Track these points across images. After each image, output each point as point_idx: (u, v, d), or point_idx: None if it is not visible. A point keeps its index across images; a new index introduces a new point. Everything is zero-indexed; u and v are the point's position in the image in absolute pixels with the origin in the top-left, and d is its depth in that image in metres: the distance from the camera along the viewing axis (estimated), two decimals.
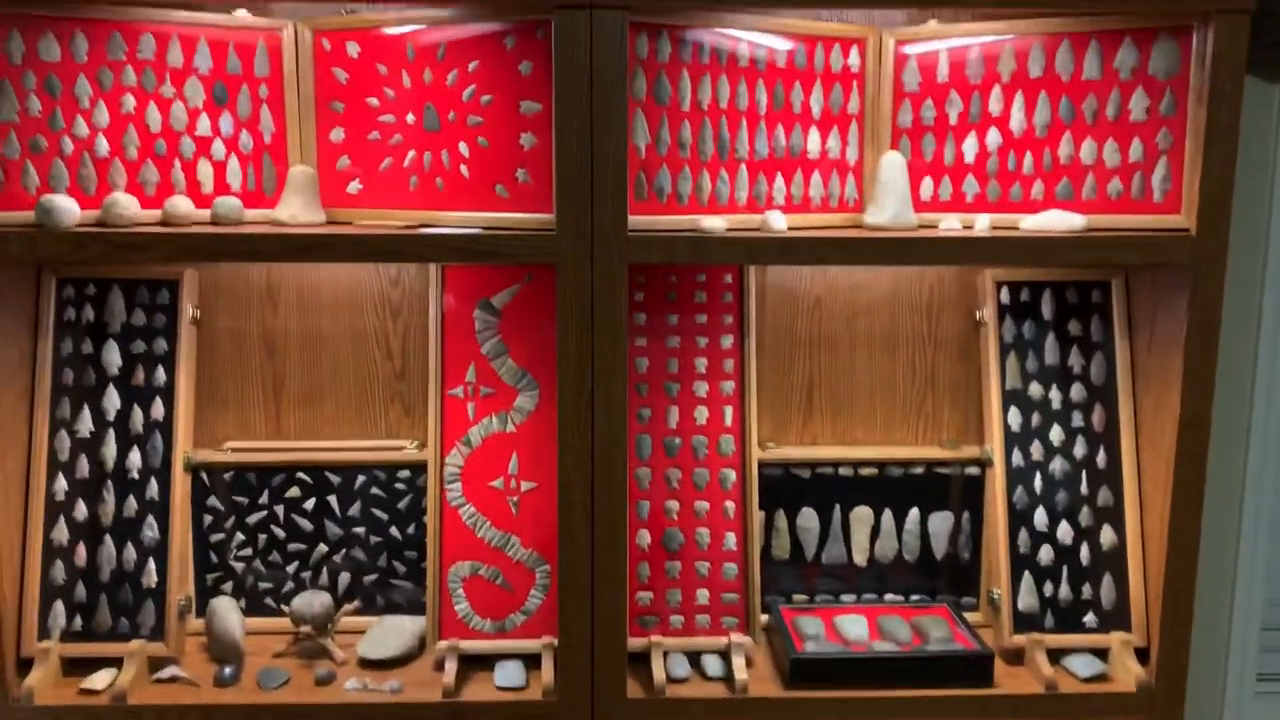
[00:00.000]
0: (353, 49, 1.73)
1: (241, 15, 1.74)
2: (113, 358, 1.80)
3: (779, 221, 1.68)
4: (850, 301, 1.95)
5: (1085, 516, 1.84)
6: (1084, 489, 1.84)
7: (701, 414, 1.86)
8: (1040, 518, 1.85)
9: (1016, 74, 1.72)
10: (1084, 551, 1.83)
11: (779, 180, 1.76)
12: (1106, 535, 1.83)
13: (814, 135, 1.77)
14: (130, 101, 1.67)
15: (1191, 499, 1.67)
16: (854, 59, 1.78)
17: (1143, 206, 1.66)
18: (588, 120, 1.54)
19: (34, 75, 1.60)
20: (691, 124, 1.67)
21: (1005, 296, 1.88)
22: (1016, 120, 1.73)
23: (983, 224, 1.72)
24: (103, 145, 1.66)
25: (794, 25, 1.72)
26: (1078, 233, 1.65)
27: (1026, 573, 1.84)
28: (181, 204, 1.67)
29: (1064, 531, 1.84)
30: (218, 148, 1.74)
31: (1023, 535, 1.85)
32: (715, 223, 1.65)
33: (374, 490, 1.89)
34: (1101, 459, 1.84)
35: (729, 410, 1.86)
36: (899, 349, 1.96)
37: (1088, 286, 1.87)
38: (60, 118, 1.62)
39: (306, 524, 1.89)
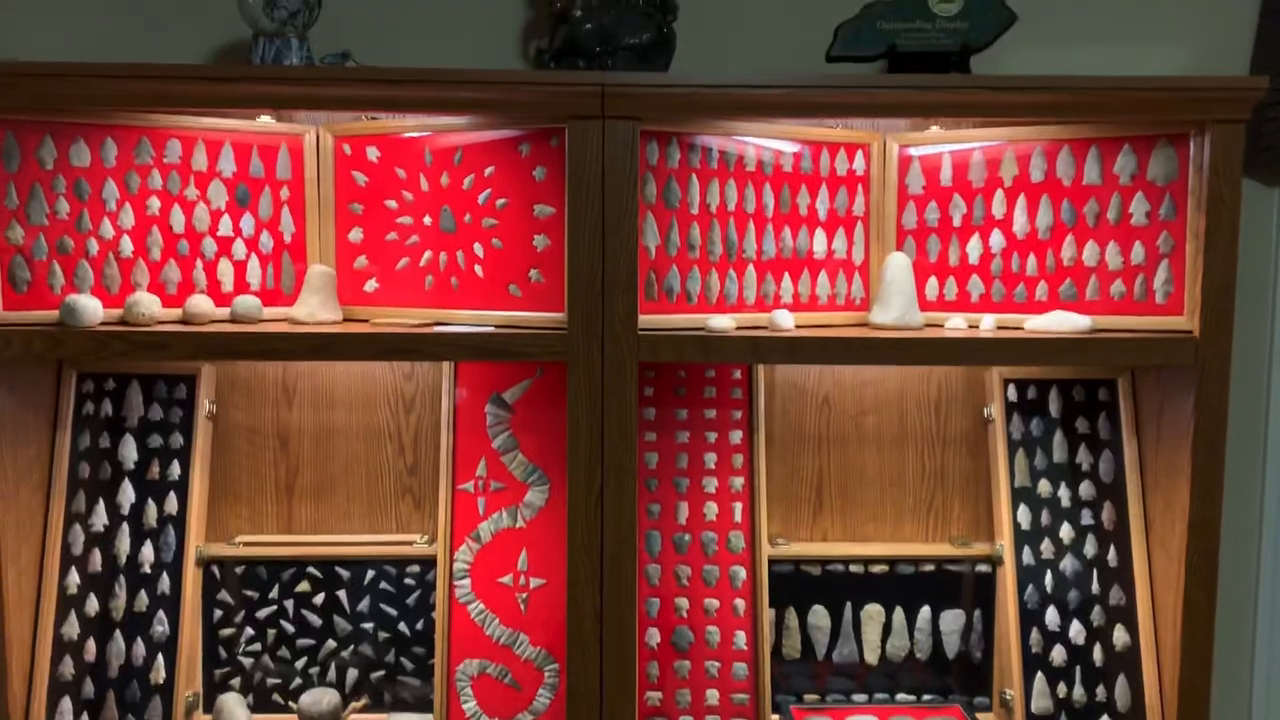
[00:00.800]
0: (373, 153, 1.79)
1: (265, 121, 1.80)
2: (129, 452, 1.83)
3: (786, 320, 1.70)
4: (859, 398, 1.97)
5: (1097, 616, 1.83)
6: (1095, 588, 1.84)
7: (711, 510, 1.86)
8: (1052, 616, 1.84)
9: (1018, 178, 1.76)
10: (1097, 652, 1.82)
11: (786, 280, 1.79)
12: (1119, 635, 1.81)
13: (820, 236, 1.81)
14: (155, 204, 1.72)
15: (1204, 600, 1.66)
16: (859, 163, 1.83)
17: (1146, 308, 1.69)
18: (599, 223, 1.58)
19: (64, 179, 1.65)
20: (700, 226, 1.71)
21: (1013, 394, 1.90)
22: (1019, 223, 1.77)
23: (988, 324, 1.74)
24: (127, 246, 1.71)
25: (800, 132, 1.77)
26: (1083, 334, 1.67)
27: (1039, 673, 1.82)
28: (202, 303, 1.71)
29: (1076, 631, 1.83)
30: (238, 248, 1.79)
31: (1034, 634, 1.84)
32: (723, 322, 1.67)
33: (383, 585, 1.89)
34: (1112, 557, 1.84)
35: (738, 506, 1.86)
36: (908, 446, 1.97)
37: (1094, 384, 1.89)
38: (87, 219, 1.68)
39: (315, 619, 1.89)
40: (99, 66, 1.58)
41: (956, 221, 1.81)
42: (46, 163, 1.64)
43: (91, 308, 1.61)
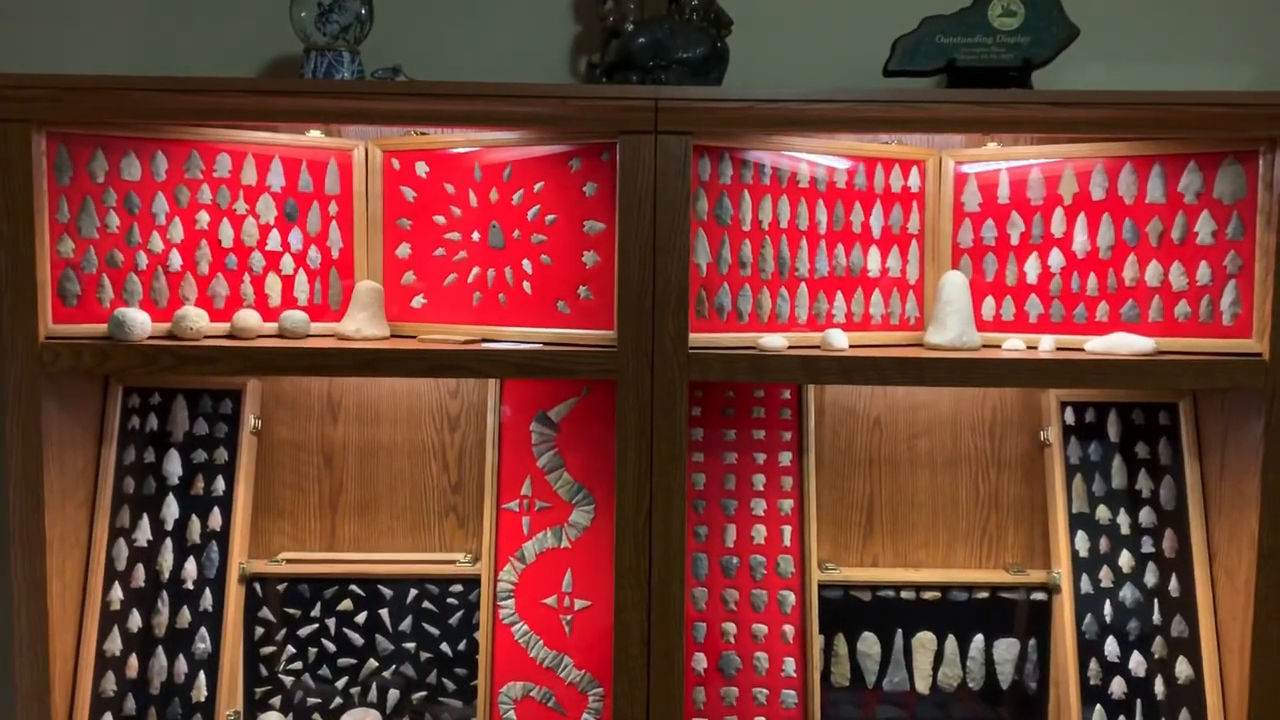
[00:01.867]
0: (421, 168, 1.77)
1: (314, 136, 1.80)
2: (173, 467, 1.82)
3: (840, 340, 1.67)
4: (911, 420, 1.92)
5: (1159, 647, 1.77)
6: (1156, 618, 1.78)
7: (759, 533, 1.83)
8: (1111, 647, 1.78)
9: (1079, 196, 1.72)
10: (1158, 685, 1.76)
11: (839, 298, 1.75)
12: (1182, 668, 1.75)
13: (874, 254, 1.78)
14: (204, 218, 1.72)
15: (1275, 633, 1.60)
16: (914, 179, 1.79)
17: (1212, 330, 1.64)
18: (650, 240, 1.56)
19: (114, 193, 1.65)
20: (752, 243, 1.68)
21: (1070, 417, 1.85)
22: (1079, 241, 1.72)
23: (1047, 345, 1.70)
24: (176, 260, 1.70)
25: (853, 148, 1.74)
26: (1147, 356, 1.62)
27: (1098, 706, 1.76)
28: (249, 317, 1.70)
29: (1136, 663, 1.77)
30: (287, 262, 1.78)
31: (1093, 666, 1.78)
32: (775, 341, 1.64)
33: (426, 604, 1.86)
34: (1174, 587, 1.78)
35: (787, 529, 1.82)
36: (961, 469, 1.93)
37: (1154, 408, 1.83)
38: (137, 233, 1.67)
39: (357, 638, 1.86)
40: (150, 80, 1.58)
41: (1014, 240, 1.77)
42: (97, 176, 1.64)
43: (140, 321, 1.60)
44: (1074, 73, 1.83)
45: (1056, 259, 1.74)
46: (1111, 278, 1.71)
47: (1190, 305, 1.66)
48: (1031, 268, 1.76)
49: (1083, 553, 1.82)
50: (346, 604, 1.86)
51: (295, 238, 1.79)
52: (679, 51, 1.71)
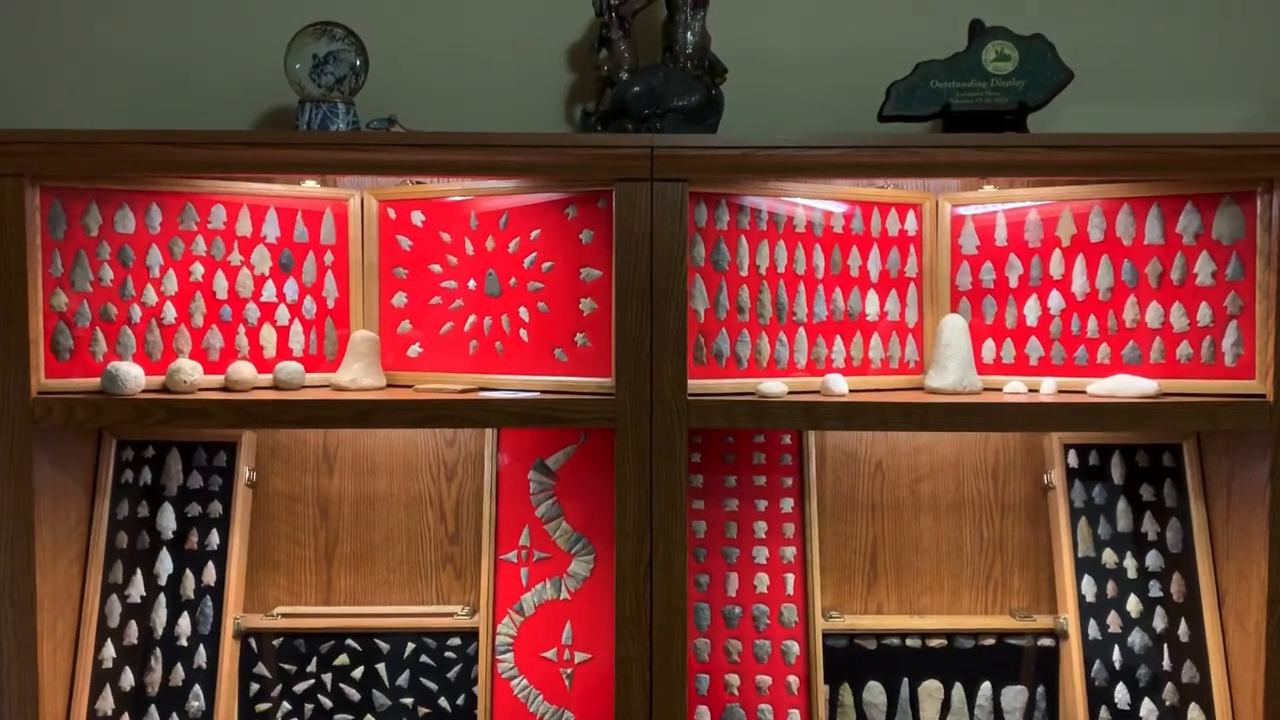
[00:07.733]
0: (417, 217, 1.77)
1: (310, 186, 1.79)
2: (167, 521, 1.79)
3: (839, 385, 1.66)
4: (913, 464, 1.91)
5: (1170, 694, 1.74)
6: (1166, 664, 1.75)
7: (762, 581, 1.80)
8: (1121, 694, 1.75)
9: (1076, 237, 1.71)
10: None
11: (838, 342, 1.74)
12: (1194, 715, 1.72)
13: (872, 298, 1.77)
14: (199, 270, 1.71)
15: None
16: (910, 223, 1.79)
17: (1214, 371, 1.62)
18: (647, 286, 1.55)
19: (108, 246, 1.64)
20: (750, 288, 1.68)
21: (1073, 459, 1.83)
22: (1079, 283, 1.72)
23: (1049, 388, 1.68)
24: (170, 312, 1.69)
25: (849, 192, 1.74)
26: (1150, 398, 1.61)
27: None
28: (244, 369, 1.68)
29: (1148, 710, 1.74)
30: (282, 313, 1.77)
31: (1104, 713, 1.75)
32: (775, 386, 1.63)
33: (423, 659, 1.83)
34: (1184, 632, 1.75)
35: (790, 577, 1.80)
36: (964, 513, 1.91)
37: (1158, 449, 1.82)
38: (131, 286, 1.66)
39: (354, 693, 1.83)
40: (145, 133, 1.58)
41: (1013, 282, 1.76)
42: (91, 229, 1.63)
43: (133, 375, 1.59)
44: (1070, 115, 1.83)
45: (1056, 301, 1.73)
46: (1112, 319, 1.70)
47: (1192, 346, 1.65)
48: (1031, 310, 1.75)
49: (1090, 597, 1.79)
50: (343, 659, 1.83)
51: (290, 288, 1.78)
52: (674, 99, 1.71)
